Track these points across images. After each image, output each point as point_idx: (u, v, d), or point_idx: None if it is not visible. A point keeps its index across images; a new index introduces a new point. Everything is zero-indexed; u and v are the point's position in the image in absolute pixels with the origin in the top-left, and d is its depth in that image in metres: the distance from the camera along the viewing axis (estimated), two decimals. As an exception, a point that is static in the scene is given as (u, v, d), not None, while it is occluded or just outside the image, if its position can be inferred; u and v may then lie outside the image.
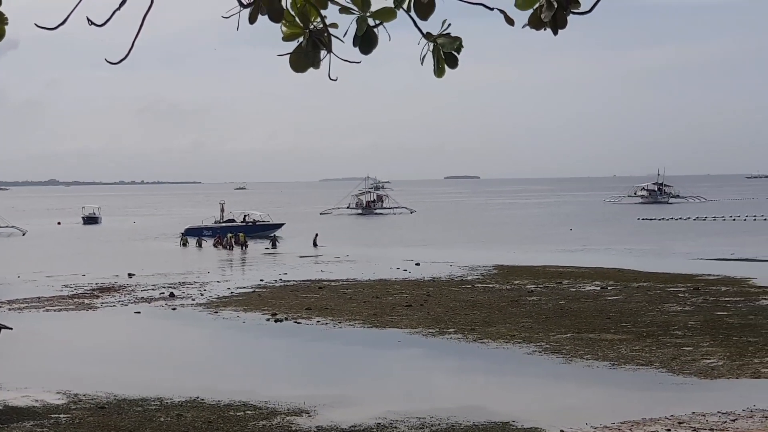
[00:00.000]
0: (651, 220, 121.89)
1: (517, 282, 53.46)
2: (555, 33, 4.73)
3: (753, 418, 23.17)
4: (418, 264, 65.27)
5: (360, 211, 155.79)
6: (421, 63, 4.56)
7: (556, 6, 4.64)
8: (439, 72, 4.60)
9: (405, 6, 4.40)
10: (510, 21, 4.57)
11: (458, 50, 4.53)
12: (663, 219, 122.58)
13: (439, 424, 23.27)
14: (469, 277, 56.94)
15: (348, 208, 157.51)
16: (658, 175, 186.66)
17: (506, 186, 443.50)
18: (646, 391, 26.48)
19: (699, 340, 33.55)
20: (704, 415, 23.39)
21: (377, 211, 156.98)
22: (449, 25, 4.49)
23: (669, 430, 22.26)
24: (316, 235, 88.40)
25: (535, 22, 4.71)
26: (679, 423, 22.81)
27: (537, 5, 4.69)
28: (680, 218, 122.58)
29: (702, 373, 28.33)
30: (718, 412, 23.66)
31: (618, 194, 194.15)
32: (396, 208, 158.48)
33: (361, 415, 24.37)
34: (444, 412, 24.42)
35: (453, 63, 4.57)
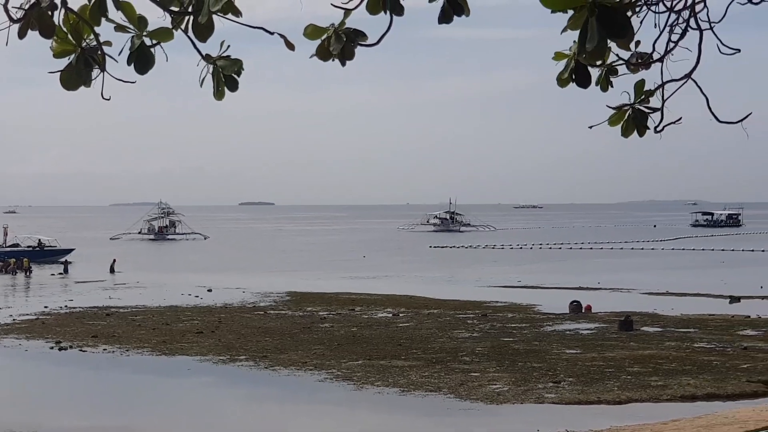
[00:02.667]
0: (443, 248, 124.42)
1: (309, 309, 53.57)
2: (343, 64, 4.77)
3: (536, 441, 23.84)
4: (210, 290, 64.62)
5: (152, 236, 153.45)
6: (200, 85, 4.52)
7: (344, 39, 4.69)
8: (218, 95, 4.56)
9: (183, 27, 4.34)
10: (290, 46, 4.57)
11: (238, 73, 4.50)
12: (454, 247, 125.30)
13: (227, 453, 23.08)
14: (262, 304, 56.72)
15: (140, 233, 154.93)
16: (450, 203, 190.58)
17: (301, 212, 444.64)
18: (434, 416, 26.92)
19: (486, 365, 34.34)
20: (490, 440, 23.92)
21: (170, 236, 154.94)
22: (228, 47, 4.46)
23: (455, 455, 22.68)
24: (114, 261, 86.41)
25: (323, 53, 4.75)
26: (466, 448, 23.26)
27: (324, 36, 4.72)
28: (470, 246, 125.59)
29: (488, 399, 28.97)
30: (503, 436, 24.24)
31: (411, 222, 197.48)
32: (189, 233, 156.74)
33: (148, 445, 23.89)
34: (233, 440, 24.20)
35: (233, 86, 4.54)
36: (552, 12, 4.16)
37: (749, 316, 48.74)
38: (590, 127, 5.60)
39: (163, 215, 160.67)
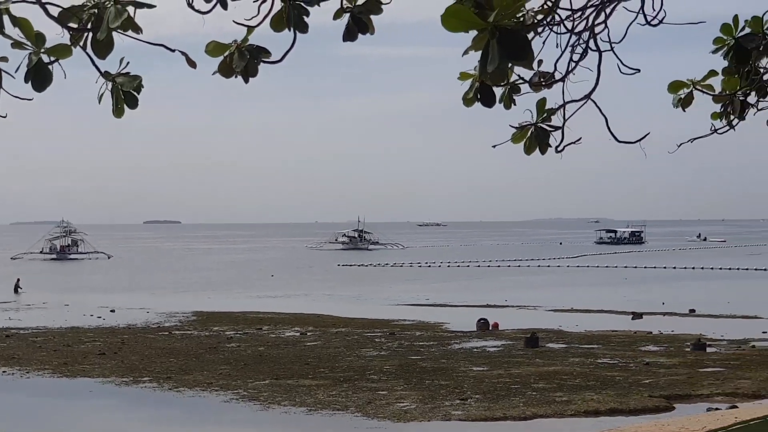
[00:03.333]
0: (351, 266, 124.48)
1: (216, 328, 53.16)
2: (246, 81, 4.76)
3: (443, 459, 23.95)
4: (113, 311, 63.74)
5: (54, 255, 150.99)
6: (99, 102, 4.47)
7: (248, 56, 4.68)
8: (117, 112, 4.52)
9: (82, 43, 4.30)
10: (191, 63, 4.55)
11: (138, 89, 4.46)
12: (363, 265, 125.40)
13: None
14: (167, 324, 56.13)
15: (41, 252, 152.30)
16: (359, 221, 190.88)
17: (209, 231, 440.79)
18: (341, 435, 26.85)
19: (394, 384, 34.39)
20: (397, 458, 23.96)
21: (72, 256, 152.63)
22: (128, 63, 4.43)
23: (363, 474, 22.66)
24: (18, 280, 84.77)
25: (226, 70, 4.73)
26: (373, 466, 23.25)
27: (227, 53, 4.71)
28: (379, 264, 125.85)
29: (396, 417, 29.00)
30: (410, 454, 24.30)
31: (320, 240, 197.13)
32: (92, 252, 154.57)
33: (49, 469, 23.44)
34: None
35: (133, 103, 4.50)
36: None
37: (651, 332, 49.71)
38: (494, 146, 5.66)
39: (65, 234, 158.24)
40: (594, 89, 5.22)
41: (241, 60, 4.71)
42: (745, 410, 28.13)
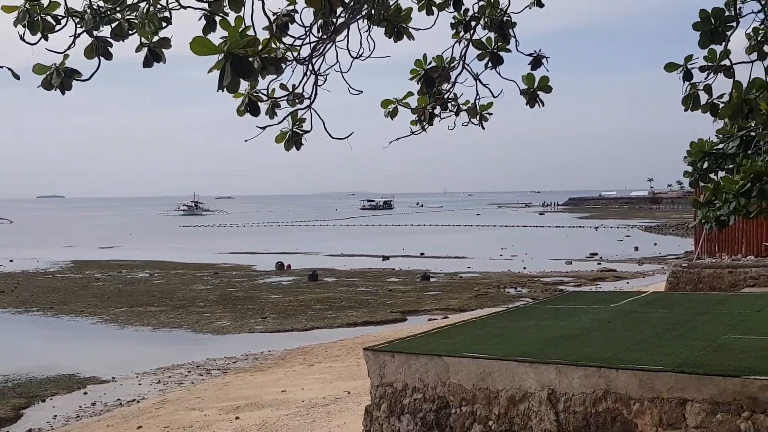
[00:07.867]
0: (189, 227, 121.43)
1: (88, 272, 50.86)
2: (62, 93, 4.58)
3: (247, 359, 23.78)
4: (12, 260, 60.03)
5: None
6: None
7: (63, 75, 4.49)
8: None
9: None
10: (16, 77, 4.30)
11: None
12: (198, 226, 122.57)
13: (20, 379, 21.56)
14: (52, 270, 53.32)
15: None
16: (195, 195, 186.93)
17: (86, 204, 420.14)
18: (175, 345, 26.25)
19: (215, 308, 33.89)
20: (215, 360, 23.62)
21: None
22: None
23: (189, 371, 22.22)
24: None
25: (47, 85, 4.55)
26: (197, 366, 22.84)
27: (48, 72, 4.52)
28: (209, 225, 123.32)
29: (216, 331, 28.62)
30: (224, 357, 23.99)
31: (167, 209, 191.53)
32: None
33: (-45, 377, 21.87)
34: (25, 370, 22.68)
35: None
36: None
37: (394, 269, 50.73)
38: (246, 141, 5.55)
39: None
40: (312, 102, 5.21)
41: (58, 77, 4.50)
42: (454, 319, 29.21)
